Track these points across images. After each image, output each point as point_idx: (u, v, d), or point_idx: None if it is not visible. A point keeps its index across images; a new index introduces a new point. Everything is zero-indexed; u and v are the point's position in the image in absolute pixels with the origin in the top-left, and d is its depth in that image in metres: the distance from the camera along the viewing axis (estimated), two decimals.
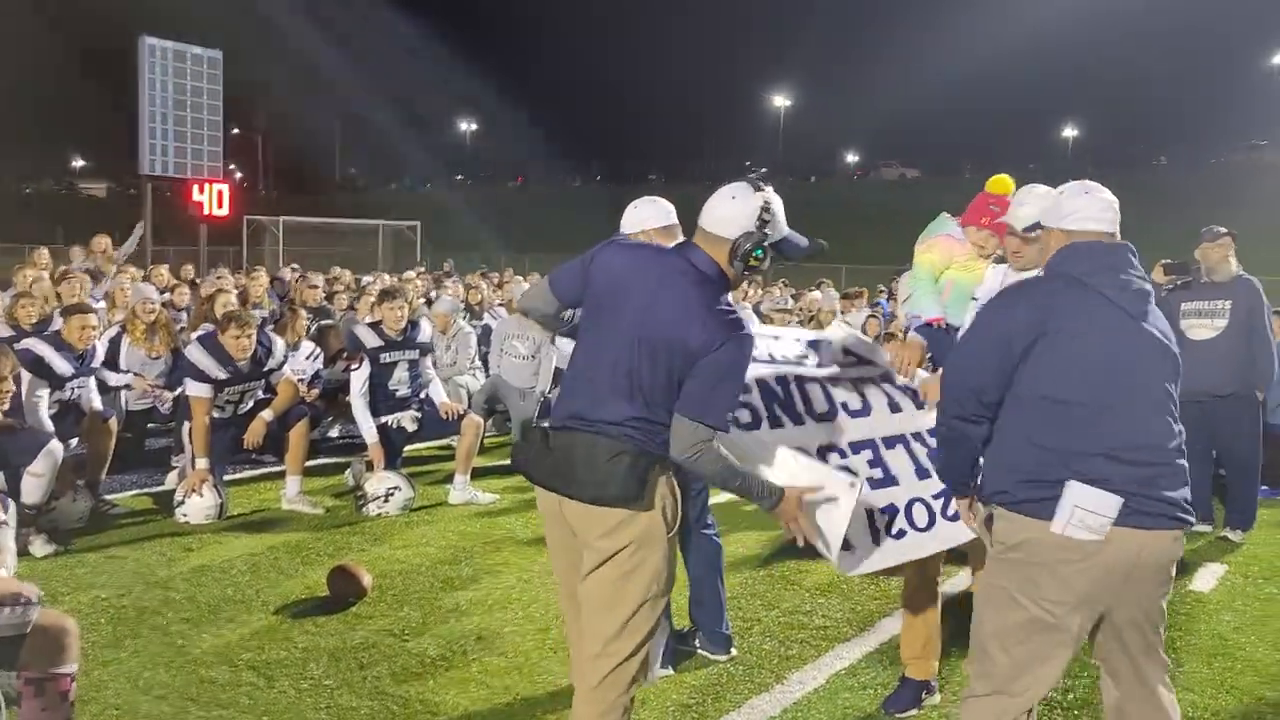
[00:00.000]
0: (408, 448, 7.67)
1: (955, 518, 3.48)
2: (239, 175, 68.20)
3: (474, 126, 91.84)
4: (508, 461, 8.34)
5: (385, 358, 6.88)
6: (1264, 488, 7.50)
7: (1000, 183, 4.02)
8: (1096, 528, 2.67)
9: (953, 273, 3.98)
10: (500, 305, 11.09)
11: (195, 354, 6.28)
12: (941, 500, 3.64)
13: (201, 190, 24.30)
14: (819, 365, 3.89)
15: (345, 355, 7.23)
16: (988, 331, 2.90)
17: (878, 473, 3.71)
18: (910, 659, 4.02)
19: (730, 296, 2.91)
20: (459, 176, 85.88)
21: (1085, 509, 2.67)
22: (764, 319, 10.35)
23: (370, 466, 6.76)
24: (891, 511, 3.63)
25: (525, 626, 4.71)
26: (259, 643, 4.41)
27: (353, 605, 4.87)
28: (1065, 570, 2.72)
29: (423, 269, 20.16)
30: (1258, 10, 67.34)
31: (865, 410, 3.83)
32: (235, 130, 73.52)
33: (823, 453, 3.62)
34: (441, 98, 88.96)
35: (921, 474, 3.73)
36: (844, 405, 3.81)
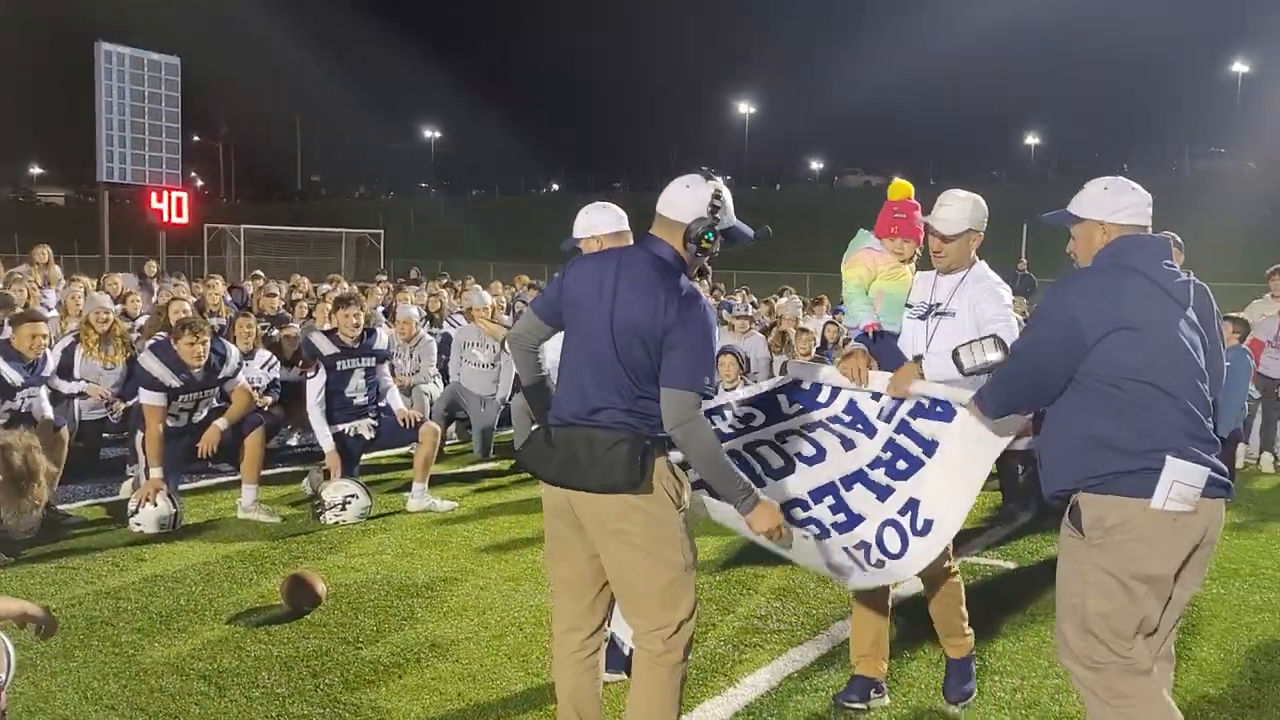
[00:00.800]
0: (366, 456, 7.65)
1: (925, 531, 3.57)
2: (200, 183, 67.63)
3: (439, 135, 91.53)
4: (467, 469, 8.34)
5: (341, 365, 6.84)
6: None
7: (900, 188, 4.13)
8: (1191, 499, 2.87)
9: (880, 283, 4.06)
10: (459, 313, 11.06)
11: (148, 362, 6.23)
12: (909, 514, 3.66)
13: (160, 198, 24.07)
14: (767, 422, 4.01)
15: (301, 363, 7.19)
16: (1057, 327, 3.00)
17: (842, 516, 3.78)
18: (860, 657, 4.06)
19: (685, 279, 3.06)
20: (423, 185, 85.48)
21: (1182, 482, 2.85)
22: (724, 324, 10.41)
23: (328, 475, 6.73)
24: (865, 547, 3.68)
25: (480, 634, 4.70)
26: (210, 652, 4.38)
27: (307, 614, 4.85)
28: (1164, 543, 2.90)
29: (384, 277, 20.05)
30: (1217, 20, 68.52)
31: (820, 455, 3.92)
32: (196, 138, 73.00)
33: (786, 509, 3.65)
34: (407, 106, 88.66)
35: (884, 495, 3.77)
36: (799, 455, 3.92)
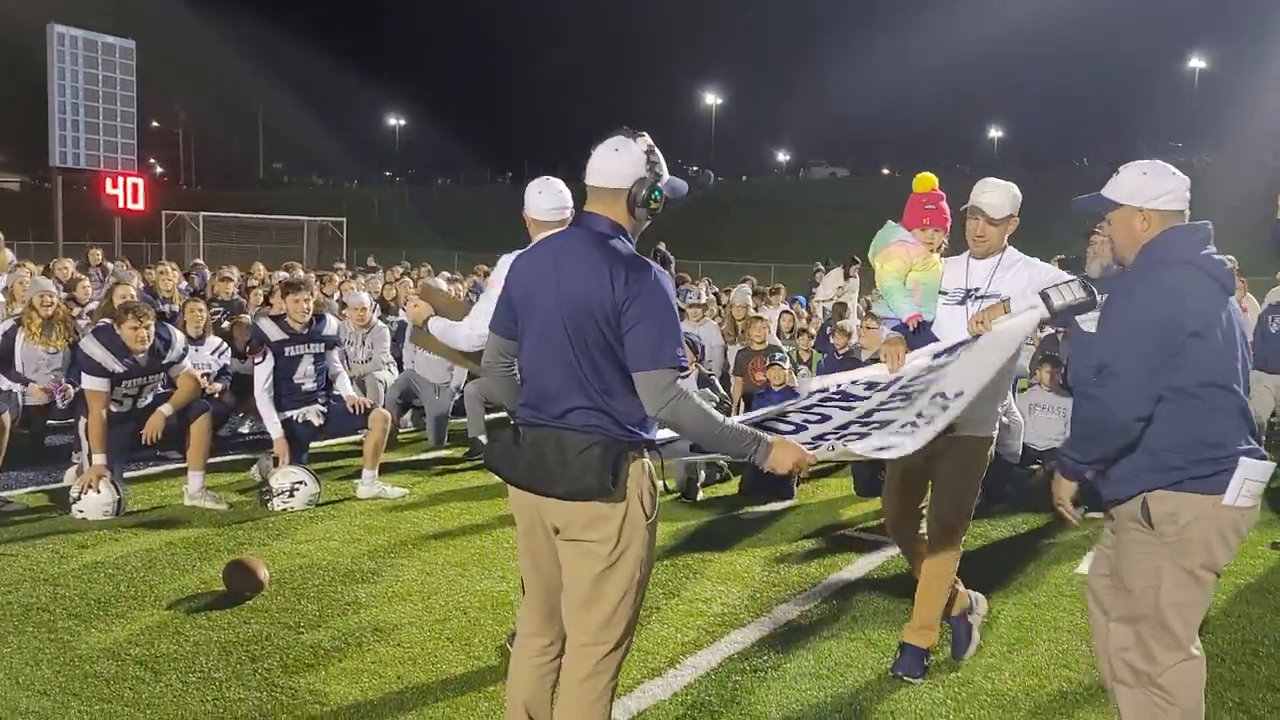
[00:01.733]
0: (318, 444, 7.61)
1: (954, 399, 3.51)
2: (159, 169, 66.71)
3: (403, 123, 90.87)
4: (420, 456, 8.31)
5: (289, 351, 6.80)
6: None
7: (925, 180, 4.24)
8: (1257, 494, 2.99)
9: (915, 275, 4.15)
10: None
11: (90, 347, 6.15)
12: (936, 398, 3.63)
13: (115, 184, 23.73)
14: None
15: (249, 349, 7.13)
16: (1147, 331, 2.93)
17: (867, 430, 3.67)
18: (921, 627, 4.19)
19: (631, 249, 2.87)
20: (387, 173, 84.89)
21: (1252, 479, 2.97)
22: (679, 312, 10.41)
23: (277, 462, 6.68)
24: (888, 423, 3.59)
25: (424, 618, 4.70)
26: (148, 638, 4.35)
27: (249, 599, 4.82)
28: (1231, 536, 3.01)
29: (341, 265, 19.91)
30: (1175, 17, 69.33)
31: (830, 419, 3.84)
32: (155, 124, 72.00)
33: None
34: (371, 94, 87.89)
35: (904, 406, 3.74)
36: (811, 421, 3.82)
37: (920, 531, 4.29)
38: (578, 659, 2.91)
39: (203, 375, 7.36)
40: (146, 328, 6.18)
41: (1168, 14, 71.77)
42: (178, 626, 4.49)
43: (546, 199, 3.91)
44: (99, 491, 6.04)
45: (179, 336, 6.59)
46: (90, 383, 6.11)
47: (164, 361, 6.40)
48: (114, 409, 6.25)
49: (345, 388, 7.11)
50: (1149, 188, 3.08)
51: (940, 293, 4.14)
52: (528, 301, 2.90)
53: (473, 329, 3.92)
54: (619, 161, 2.86)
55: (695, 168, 3.11)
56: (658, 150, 2.93)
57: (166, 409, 6.36)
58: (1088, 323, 3.58)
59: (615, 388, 2.79)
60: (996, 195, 4.03)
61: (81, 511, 6.03)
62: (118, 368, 6.14)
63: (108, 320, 6.48)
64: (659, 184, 2.88)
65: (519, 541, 3.06)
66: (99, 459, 6.08)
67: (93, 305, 9.83)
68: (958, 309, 4.08)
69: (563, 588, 2.95)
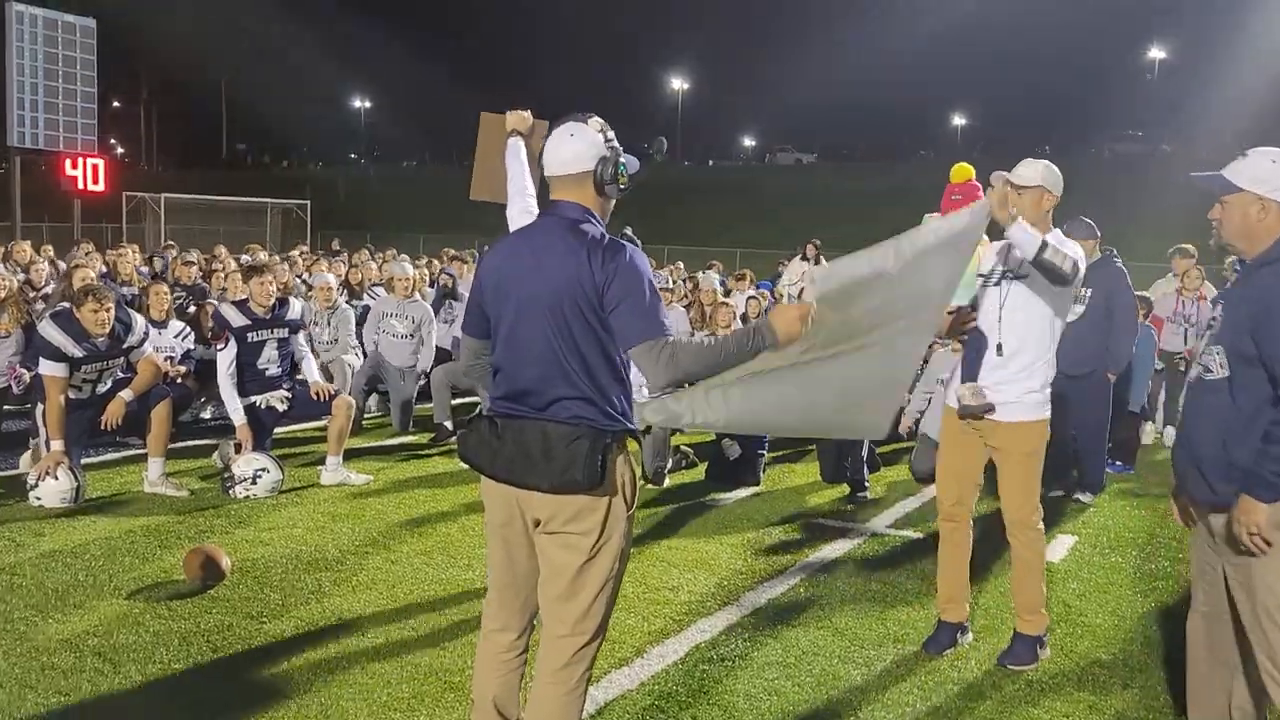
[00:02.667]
0: (282, 430, 7.52)
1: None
2: (120, 150, 65.70)
3: (369, 104, 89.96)
4: (386, 442, 8.25)
5: (252, 336, 6.70)
6: (1116, 463, 7.86)
7: (961, 170, 4.41)
8: None
9: None
10: (378, 285, 10.92)
11: (49, 330, 6.03)
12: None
13: (75, 164, 23.32)
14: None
15: (211, 335, 7.03)
16: None
17: None
18: (946, 603, 4.37)
19: (603, 230, 2.85)
20: (353, 155, 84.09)
21: None
22: None
23: (239, 449, 6.60)
24: None
25: (388, 608, 4.66)
26: (107, 628, 4.28)
27: (210, 588, 4.76)
28: None
29: (305, 248, 19.69)
30: (1134, 7, 69.96)
31: None
32: (116, 104, 70.89)
33: None
34: (337, 74, 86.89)
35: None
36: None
37: (969, 519, 4.39)
38: (554, 650, 2.88)
39: (165, 359, 7.26)
40: (107, 310, 6.06)
41: (1127, 4, 72.42)
42: (137, 617, 4.42)
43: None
44: (57, 478, 5.93)
45: (139, 320, 6.48)
46: (48, 367, 5.99)
47: (124, 346, 6.29)
48: (73, 395, 6.13)
49: (311, 372, 7.03)
50: (1276, 176, 2.97)
51: (979, 275, 4.22)
52: (500, 294, 2.85)
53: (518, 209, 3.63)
54: (578, 145, 2.85)
55: (648, 143, 3.09)
56: (610, 128, 2.93)
57: (127, 394, 6.25)
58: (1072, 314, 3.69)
59: (600, 377, 2.77)
60: (1025, 167, 4.13)
61: (39, 499, 5.92)
62: (77, 352, 6.03)
63: (66, 304, 6.36)
64: (620, 158, 2.88)
65: (491, 535, 2.99)
66: (56, 445, 5.97)
67: (48, 289, 9.66)
68: (994, 290, 4.18)
69: (539, 580, 2.92)
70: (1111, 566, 5.64)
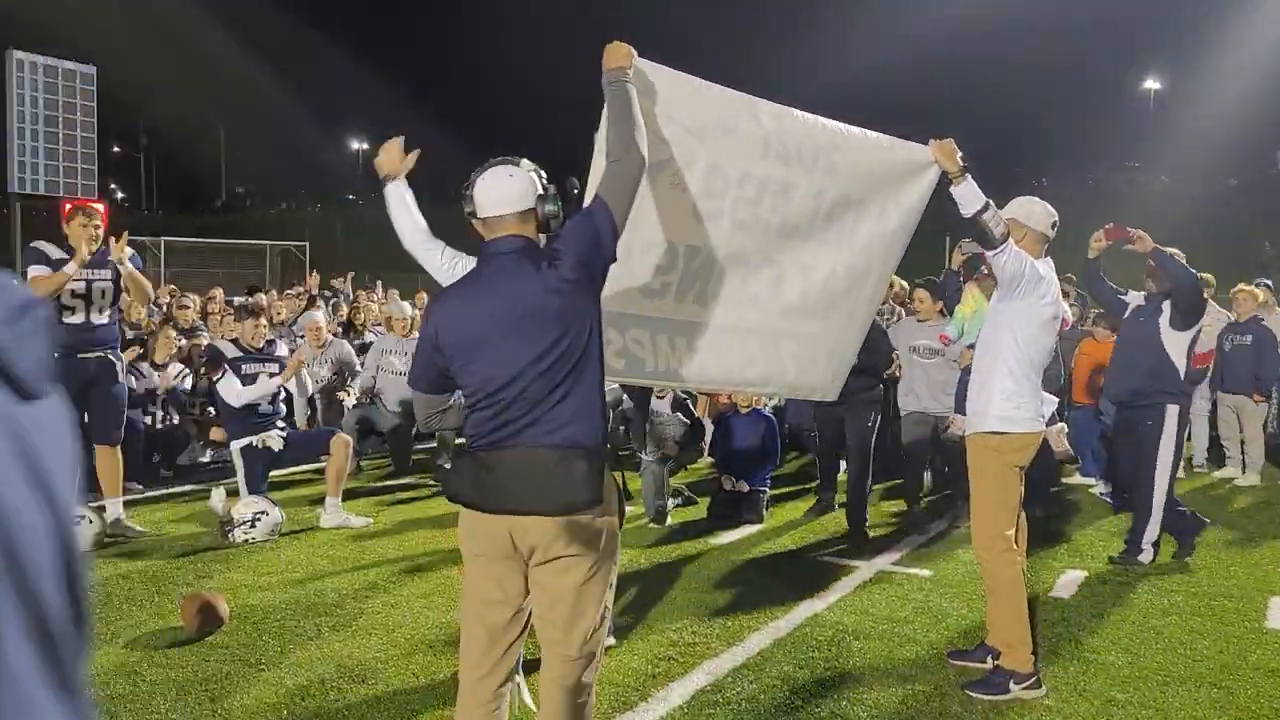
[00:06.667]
0: (279, 472, 7.46)
1: None
2: (120, 195, 65.97)
3: (365, 146, 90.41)
4: (386, 483, 8.18)
5: (245, 369, 6.76)
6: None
7: None
8: None
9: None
10: (378, 325, 10.93)
11: (40, 243, 6.14)
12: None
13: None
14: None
15: (206, 367, 7.05)
16: None
17: None
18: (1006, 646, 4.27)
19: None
20: (350, 196, 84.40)
21: None
22: None
23: (235, 494, 6.56)
24: None
25: (389, 652, 4.58)
26: (103, 678, 4.20)
27: (209, 635, 4.69)
28: None
29: (302, 289, 19.70)
30: (1130, 39, 70.64)
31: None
32: (116, 149, 71.28)
33: None
34: (333, 116, 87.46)
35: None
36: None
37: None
38: (565, 672, 2.90)
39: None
40: (95, 226, 6.09)
41: (1123, 37, 73.11)
42: (134, 665, 4.35)
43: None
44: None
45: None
46: (34, 270, 6.00)
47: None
48: (66, 319, 6.12)
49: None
50: None
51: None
52: (467, 341, 2.82)
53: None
54: (518, 184, 2.91)
55: (565, 181, 3.21)
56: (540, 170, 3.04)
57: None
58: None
59: (585, 400, 2.80)
60: (1012, 202, 4.46)
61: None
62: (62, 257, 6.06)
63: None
64: (555, 195, 2.97)
65: (480, 575, 2.91)
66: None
67: None
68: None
69: (537, 613, 2.91)
70: (1123, 602, 5.56)
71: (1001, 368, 4.23)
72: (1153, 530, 6.17)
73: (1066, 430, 6.39)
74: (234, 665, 4.38)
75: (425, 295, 12.28)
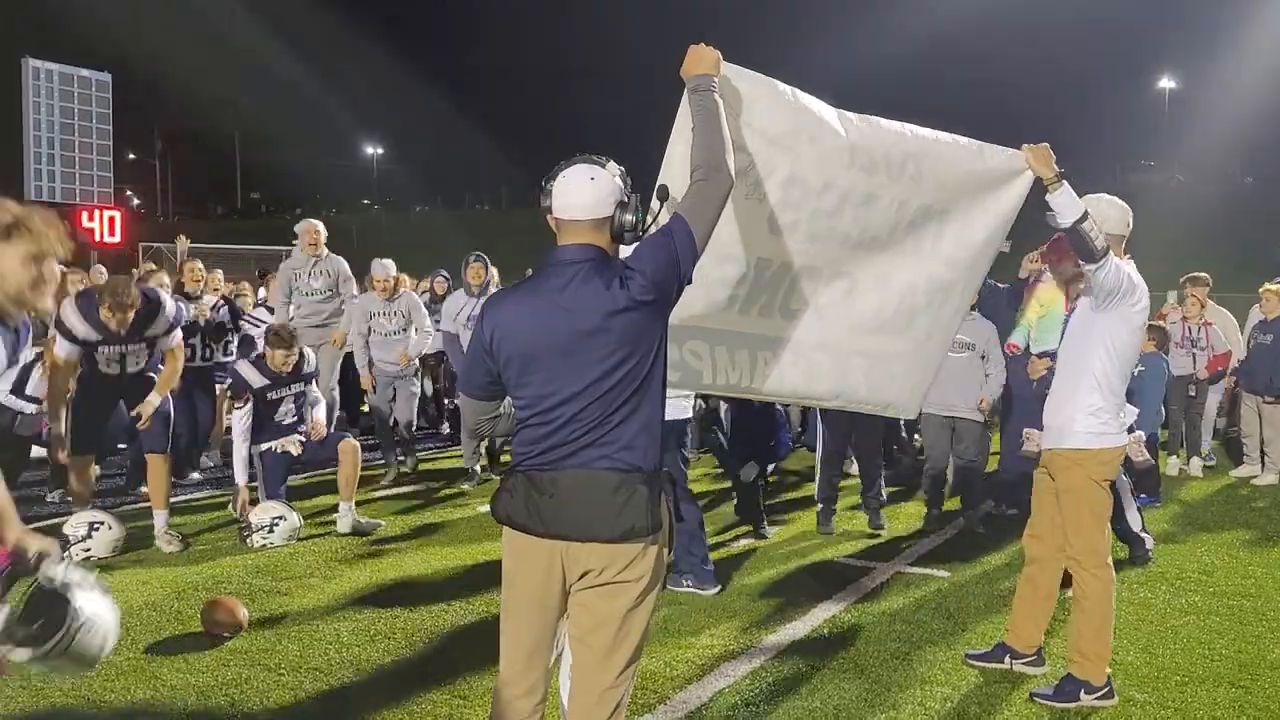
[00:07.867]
0: (297, 478, 7.50)
1: None
2: (135, 201, 66.36)
3: (381, 151, 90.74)
4: (401, 489, 8.20)
5: (272, 395, 6.73)
6: (1141, 495, 7.75)
7: None
8: None
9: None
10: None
11: (68, 311, 5.98)
12: None
13: (92, 217, 23.58)
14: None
15: (231, 394, 6.97)
16: None
17: None
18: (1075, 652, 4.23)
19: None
20: (365, 201, 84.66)
21: None
22: None
23: (253, 502, 6.59)
24: None
25: (407, 657, 4.61)
26: (125, 683, 4.24)
27: (228, 640, 4.72)
28: None
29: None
30: (1145, 38, 70.34)
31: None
32: (132, 155, 71.69)
33: None
34: (348, 121, 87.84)
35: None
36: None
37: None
38: (602, 702, 2.78)
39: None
40: (124, 313, 5.96)
41: (1139, 36, 72.82)
42: (155, 670, 4.38)
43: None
44: (110, 529, 6.06)
45: (169, 307, 6.30)
46: (61, 348, 6.00)
47: (146, 334, 6.20)
48: (104, 369, 6.20)
49: (320, 414, 7.00)
50: None
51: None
52: (523, 354, 2.71)
53: None
54: (600, 191, 2.72)
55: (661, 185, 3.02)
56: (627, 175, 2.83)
57: (155, 398, 6.24)
58: None
59: (646, 423, 2.70)
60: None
61: (88, 550, 5.97)
62: (92, 336, 6.03)
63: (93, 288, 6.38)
64: (639, 207, 2.77)
65: (524, 597, 2.81)
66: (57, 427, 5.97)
67: None
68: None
69: (575, 635, 2.81)
70: (1141, 602, 5.54)
71: (1089, 380, 4.09)
72: (1134, 517, 6.26)
73: (1144, 438, 6.34)
74: (253, 670, 4.41)
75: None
